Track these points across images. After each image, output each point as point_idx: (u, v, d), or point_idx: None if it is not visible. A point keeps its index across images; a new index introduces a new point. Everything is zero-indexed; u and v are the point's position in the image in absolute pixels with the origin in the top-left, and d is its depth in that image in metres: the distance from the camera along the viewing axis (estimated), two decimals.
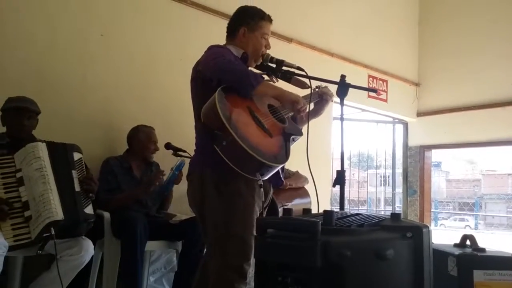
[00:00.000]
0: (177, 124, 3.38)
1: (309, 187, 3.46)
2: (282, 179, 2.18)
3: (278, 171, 2.05)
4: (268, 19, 2.23)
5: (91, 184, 2.41)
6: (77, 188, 2.33)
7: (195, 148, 2.16)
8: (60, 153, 2.36)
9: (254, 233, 1.89)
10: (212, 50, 2.06)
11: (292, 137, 2.03)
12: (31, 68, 2.95)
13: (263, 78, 2.04)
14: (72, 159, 2.40)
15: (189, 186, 2.12)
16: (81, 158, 2.49)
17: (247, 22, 2.18)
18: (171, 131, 3.37)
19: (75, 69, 3.14)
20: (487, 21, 5.85)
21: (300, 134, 2.11)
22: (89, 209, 2.37)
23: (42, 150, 2.27)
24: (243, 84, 1.91)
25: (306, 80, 2.21)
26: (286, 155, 1.93)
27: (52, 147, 2.33)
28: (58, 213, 2.15)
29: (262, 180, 1.92)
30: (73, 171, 2.36)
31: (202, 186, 2.00)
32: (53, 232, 2.11)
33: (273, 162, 1.82)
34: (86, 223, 2.38)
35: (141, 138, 3.08)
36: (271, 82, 2.21)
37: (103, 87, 3.25)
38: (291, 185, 3.35)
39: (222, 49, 2.09)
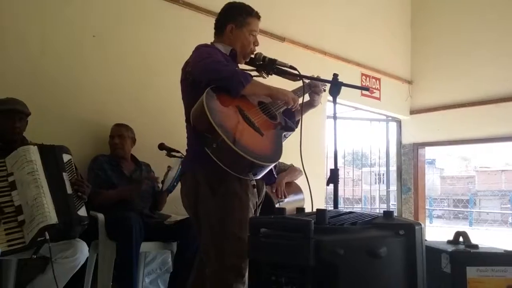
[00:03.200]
0: (171, 125, 3.37)
1: (303, 185, 3.47)
2: (275, 175, 2.19)
3: (271, 168, 2.05)
4: (256, 15, 2.20)
5: (82, 186, 2.40)
6: (69, 190, 2.32)
7: (187, 148, 2.15)
8: (51, 156, 2.34)
9: None
10: (200, 50, 2.04)
11: (284, 133, 2.03)
12: (24, 70, 2.94)
13: (252, 76, 2.03)
14: (62, 161, 2.38)
15: (183, 187, 2.11)
16: (71, 159, 2.47)
17: (234, 18, 2.16)
18: (165, 132, 3.36)
19: (68, 70, 3.13)
20: (479, 19, 5.88)
21: (292, 129, 2.10)
22: (82, 211, 2.36)
23: (34, 154, 2.25)
24: (232, 83, 1.90)
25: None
26: (278, 153, 1.92)
27: (44, 150, 2.31)
28: (52, 217, 2.14)
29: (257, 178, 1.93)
30: (64, 173, 2.34)
31: (195, 187, 1.99)
32: (47, 237, 2.10)
33: (264, 161, 1.81)
34: (80, 226, 2.37)
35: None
36: (261, 78, 2.21)
37: (96, 88, 3.24)
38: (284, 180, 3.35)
39: (209, 48, 2.08)
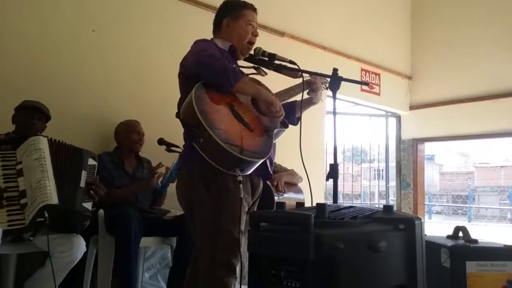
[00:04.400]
0: (170, 120, 3.33)
1: (303, 183, 3.47)
2: (271, 172, 2.18)
3: (265, 164, 2.04)
4: (251, 7, 2.22)
5: (97, 187, 2.47)
6: (82, 184, 2.37)
7: (183, 143, 2.16)
8: (78, 155, 2.43)
9: (242, 228, 1.90)
10: (197, 44, 2.05)
11: (276, 130, 2.02)
12: (23, 65, 2.93)
13: (243, 74, 2.01)
14: (86, 162, 2.46)
15: (178, 181, 2.13)
16: (95, 165, 2.56)
17: (229, 12, 2.19)
18: (164, 127, 3.35)
19: (67, 65, 3.12)
20: (479, 14, 5.88)
21: (285, 126, 2.09)
22: (87, 205, 2.40)
23: (43, 143, 2.30)
24: (221, 81, 1.89)
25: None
26: (266, 149, 1.91)
27: (55, 142, 2.37)
28: (53, 198, 2.16)
29: (251, 174, 1.92)
30: (83, 171, 2.41)
31: (190, 182, 1.99)
32: (46, 215, 2.11)
33: (251, 157, 1.80)
34: (82, 218, 2.38)
35: (122, 130, 3.10)
36: (259, 76, 2.20)
37: (95, 83, 3.24)
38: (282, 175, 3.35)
39: (206, 43, 2.09)
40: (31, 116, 2.54)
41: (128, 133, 3.08)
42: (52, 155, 2.30)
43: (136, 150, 3.12)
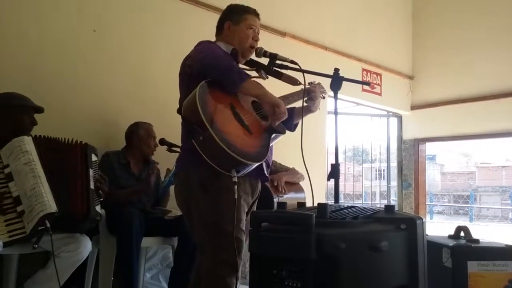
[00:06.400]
0: (171, 120, 3.32)
1: (304, 182, 3.47)
2: (267, 175, 2.19)
3: (261, 167, 2.05)
4: (254, 12, 2.24)
5: (104, 184, 2.43)
6: (91, 186, 2.34)
7: (181, 145, 2.16)
8: (60, 148, 2.34)
9: (243, 227, 1.91)
10: (202, 45, 2.07)
11: (273, 134, 2.03)
12: (23, 64, 2.93)
13: (249, 75, 2.02)
14: (90, 159, 2.42)
15: (176, 185, 2.13)
16: (97, 161, 2.53)
17: (231, 16, 2.22)
18: (165, 127, 3.35)
19: (68, 65, 3.12)
20: (480, 14, 5.87)
21: (283, 132, 2.09)
22: (98, 208, 2.37)
23: (29, 144, 2.23)
24: (227, 80, 1.91)
25: (298, 77, 2.21)
26: (263, 154, 1.92)
27: (39, 139, 2.30)
28: (51, 206, 2.13)
29: (249, 176, 1.93)
30: (90, 170, 2.38)
31: (187, 184, 2.00)
32: (48, 225, 2.10)
33: (248, 160, 1.80)
34: (92, 223, 2.37)
35: (141, 134, 3.08)
36: (260, 79, 2.20)
37: (96, 83, 3.24)
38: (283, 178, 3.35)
39: (211, 44, 2.11)
40: (28, 115, 2.47)
41: (148, 139, 3.09)
42: (40, 157, 2.23)
43: (150, 157, 3.12)
